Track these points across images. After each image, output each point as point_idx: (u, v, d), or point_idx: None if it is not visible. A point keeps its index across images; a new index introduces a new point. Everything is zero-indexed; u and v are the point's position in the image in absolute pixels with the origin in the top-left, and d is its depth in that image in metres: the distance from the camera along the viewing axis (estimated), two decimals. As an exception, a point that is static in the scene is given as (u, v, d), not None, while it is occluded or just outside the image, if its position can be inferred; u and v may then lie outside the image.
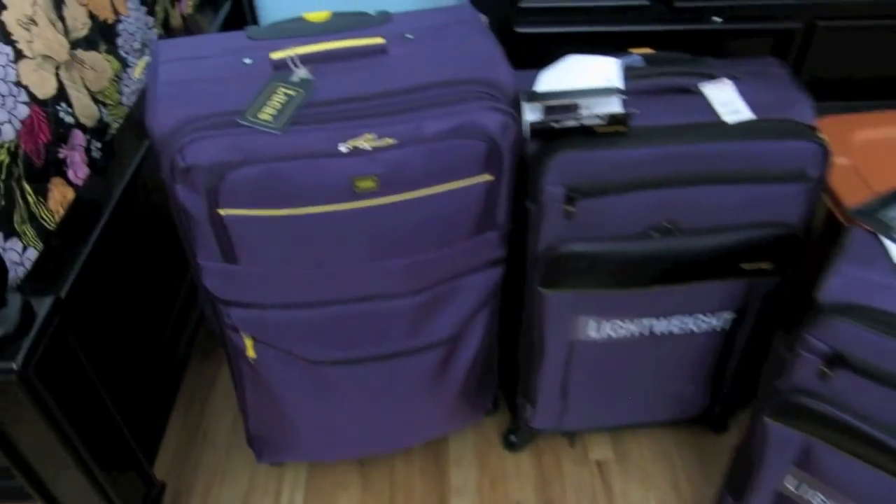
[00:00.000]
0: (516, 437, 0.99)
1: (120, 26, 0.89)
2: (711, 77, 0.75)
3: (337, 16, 0.76)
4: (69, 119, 0.76)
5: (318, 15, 0.76)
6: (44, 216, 0.70)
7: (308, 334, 0.75)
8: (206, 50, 0.71)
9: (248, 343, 0.77)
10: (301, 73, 0.68)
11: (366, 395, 0.82)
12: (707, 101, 0.74)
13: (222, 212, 0.65)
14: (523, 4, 0.91)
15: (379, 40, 0.71)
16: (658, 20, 0.93)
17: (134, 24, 0.93)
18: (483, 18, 0.77)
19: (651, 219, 0.74)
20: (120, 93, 0.88)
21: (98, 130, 0.81)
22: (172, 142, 0.63)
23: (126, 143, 0.85)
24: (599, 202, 0.71)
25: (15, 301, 0.58)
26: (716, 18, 0.93)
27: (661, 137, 0.70)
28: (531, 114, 0.73)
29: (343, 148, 0.64)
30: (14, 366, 0.55)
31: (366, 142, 0.64)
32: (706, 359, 0.88)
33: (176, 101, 0.65)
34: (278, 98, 0.66)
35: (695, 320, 0.82)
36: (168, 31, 1.04)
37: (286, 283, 0.71)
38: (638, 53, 0.79)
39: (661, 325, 0.82)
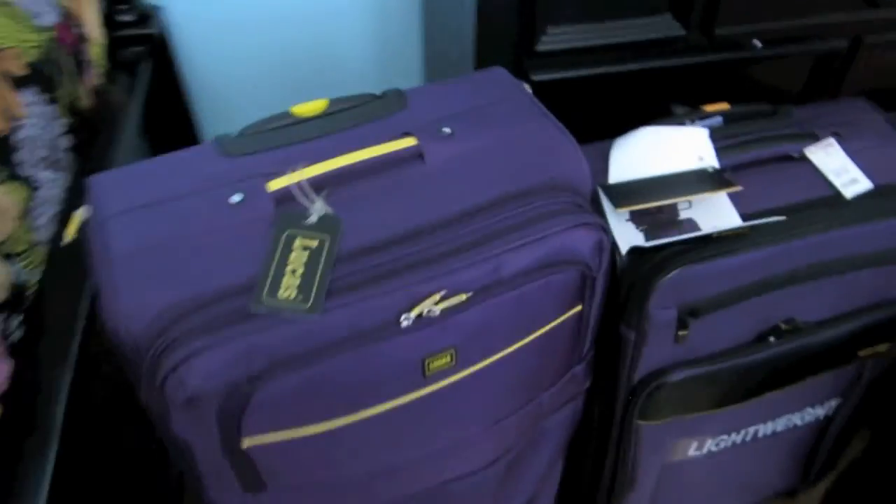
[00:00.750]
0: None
1: (19, 135, 0.66)
2: (815, 138, 0.61)
3: (335, 103, 0.56)
4: (-25, 303, 0.53)
5: (309, 107, 0.56)
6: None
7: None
8: (169, 186, 0.50)
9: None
10: (318, 207, 0.48)
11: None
12: (816, 169, 0.60)
13: (247, 442, 0.45)
14: (542, 47, 0.74)
15: (410, 141, 0.53)
16: (694, 51, 0.78)
17: (35, 124, 0.69)
18: (526, 87, 0.60)
19: (767, 322, 0.60)
20: (32, 229, 0.65)
21: (14, 301, 0.58)
22: (155, 354, 0.42)
23: (54, 302, 0.62)
24: (714, 317, 0.56)
25: None
26: (756, 43, 0.79)
27: (782, 231, 0.55)
28: (615, 215, 0.56)
29: (405, 321, 0.45)
30: None
31: (433, 303, 0.46)
32: (801, 446, 0.76)
33: (146, 284, 0.44)
34: (297, 257, 0.46)
35: (801, 415, 0.70)
36: (75, 115, 0.80)
37: (339, 496, 0.52)
38: (713, 111, 0.64)
39: (766, 429, 0.69)
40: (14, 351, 0.56)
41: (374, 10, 0.85)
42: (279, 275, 0.45)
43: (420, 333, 0.45)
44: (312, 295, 0.44)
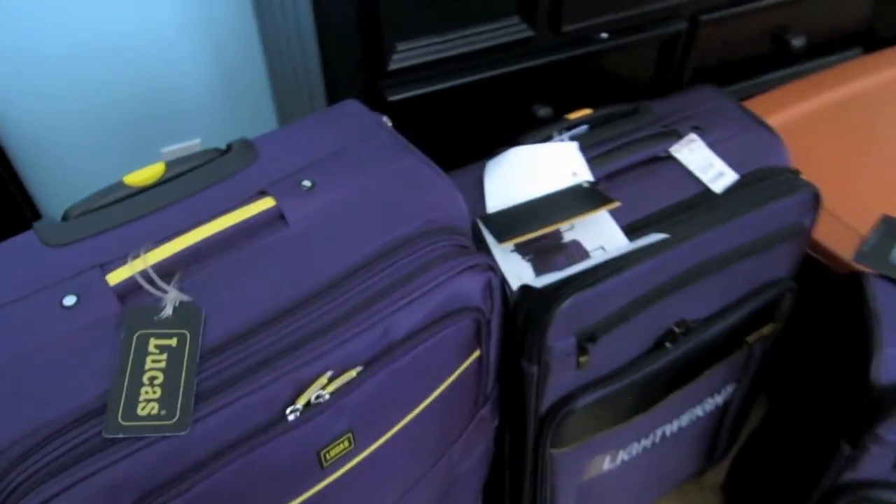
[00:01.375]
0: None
1: None
2: (677, 135, 0.61)
3: (174, 165, 0.50)
4: None
5: (144, 174, 0.49)
6: None
7: None
8: (-16, 294, 0.42)
9: None
10: (171, 297, 0.42)
11: None
12: (683, 167, 0.60)
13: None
14: (393, 66, 0.70)
15: (268, 203, 0.47)
16: (545, 51, 0.76)
17: None
18: (385, 120, 0.55)
19: (661, 328, 0.59)
20: None
21: None
22: (-8, 509, 0.35)
23: None
24: (611, 336, 0.55)
25: None
26: (603, 35, 0.79)
27: (665, 241, 0.55)
28: (502, 252, 0.54)
29: (292, 414, 0.40)
30: None
31: (321, 387, 0.41)
32: (707, 433, 0.77)
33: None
34: (155, 361, 0.40)
35: (702, 407, 0.71)
36: None
37: None
38: (576, 118, 0.62)
39: (672, 427, 0.69)
40: None
41: (210, 50, 0.78)
42: (135, 388, 0.38)
43: (311, 424, 0.40)
44: (178, 406, 0.38)
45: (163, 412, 0.37)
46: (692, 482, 0.94)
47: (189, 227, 0.45)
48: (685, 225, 0.55)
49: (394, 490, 0.49)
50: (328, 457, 0.42)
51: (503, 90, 0.79)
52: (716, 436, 0.78)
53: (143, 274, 0.43)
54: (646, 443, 0.67)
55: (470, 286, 0.47)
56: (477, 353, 0.50)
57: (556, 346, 0.52)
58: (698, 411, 0.70)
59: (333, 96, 0.78)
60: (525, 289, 0.51)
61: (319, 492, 0.42)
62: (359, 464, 0.44)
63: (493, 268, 0.49)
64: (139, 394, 0.38)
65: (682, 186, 0.59)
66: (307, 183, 0.49)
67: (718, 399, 0.71)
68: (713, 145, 0.61)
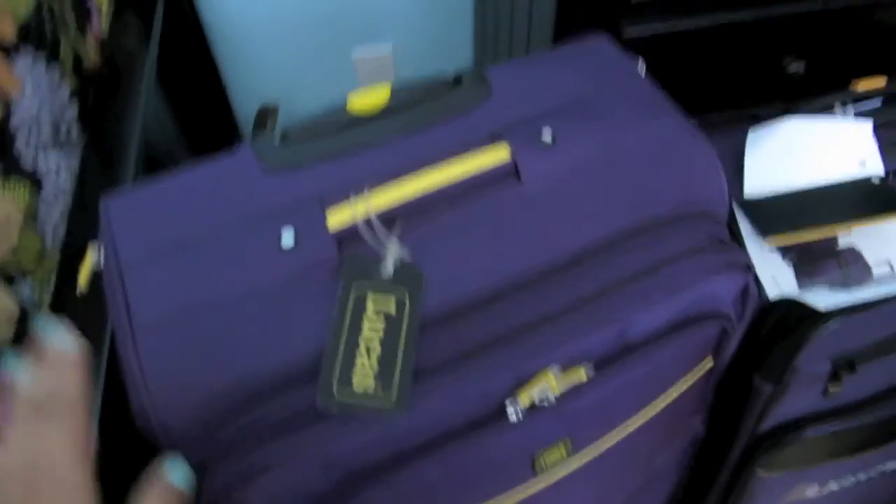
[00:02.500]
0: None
1: (13, 121, 0.55)
2: None
3: (399, 93, 0.44)
4: (-25, 355, 0.44)
5: (368, 99, 0.44)
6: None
7: None
8: (203, 213, 0.39)
9: None
10: (393, 251, 0.38)
11: None
12: None
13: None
14: (637, -3, 0.60)
15: (502, 153, 0.41)
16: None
17: (33, 100, 0.58)
18: (641, 65, 0.47)
19: (921, 360, 0.49)
20: (40, 233, 0.55)
21: (20, 336, 0.49)
22: (199, 464, 0.33)
23: (70, 317, 0.53)
24: (869, 367, 0.46)
25: None
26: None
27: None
28: (758, 246, 0.45)
29: (512, 413, 0.35)
30: None
31: (547, 385, 0.36)
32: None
33: (181, 365, 0.35)
34: (372, 327, 0.36)
35: (934, 444, 0.60)
36: (81, 76, 0.68)
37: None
38: (866, 89, 0.51)
39: (893, 464, 0.59)
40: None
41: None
42: (350, 355, 0.35)
43: (531, 426, 0.36)
44: (395, 384, 0.34)
45: (379, 390, 0.34)
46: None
47: (414, 169, 0.40)
48: None
49: (598, 498, 0.44)
50: (543, 462, 0.37)
51: (752, 37, 0.66)
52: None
53: (366, 221, 0.38)
54: (862, 477, 0.58)
55: (724, 289, 0.40)
56: (710, 364, 0.43)
57: (805, 369, 0.44)
58: (928, 450, 0.60)
59: (560, 23, 0.69)
60: (781, 303, 0.43)
61: (527, 498, 0.38)
62: (570, 473, 0.39)
63: (752, 271, 0.40)
64: (354, 363, 0.34)
65: None
66: (547, 135, 0.42)
67: (955, 440, 0.60)
68: None
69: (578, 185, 0.41)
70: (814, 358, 0.43)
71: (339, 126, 0.43)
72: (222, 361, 0.34)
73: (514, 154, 0.41)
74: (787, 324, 0.43)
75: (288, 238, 0.38)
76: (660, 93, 0.45)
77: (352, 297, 0.36)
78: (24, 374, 0.24)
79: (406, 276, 0.37)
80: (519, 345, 0.36)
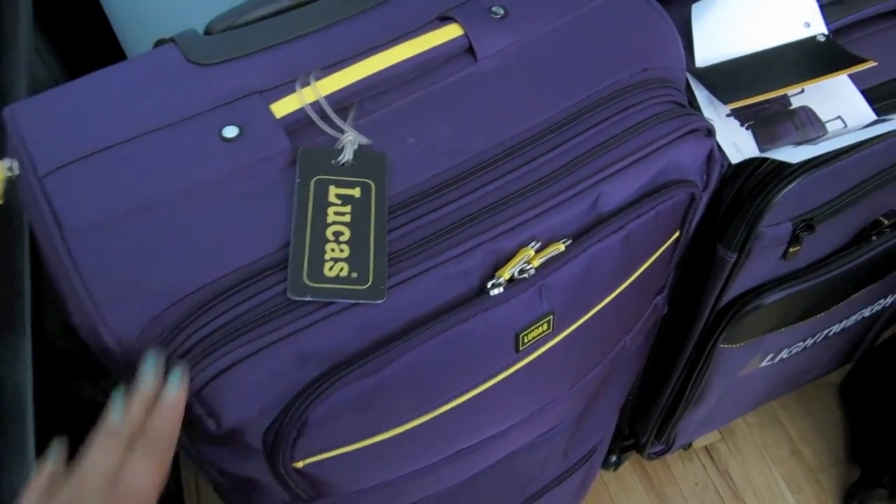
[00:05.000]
0: (618, 456, 0.80)
1: None
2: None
3: (331, -22, 0.41)
4: None
5: (297, -17, 0.40)
6: None
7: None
8: (130, 114, 0.34)
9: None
10: (349, 137, 0.35)
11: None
12: (934, 28, 0.49)
13: (300, 464, 0.34)
14: None
15: (454, 31, 0.38)
16: None
17: None
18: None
19: (868, 218, 0.50)
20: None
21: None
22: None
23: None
24: (826, 226, 0.46)
25: None
26: None
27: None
28: (716, 114, 0.44)
29: (495, 288, 0.34)
30: None
31: (526, 261, 0.34)
32: (859, 335, 0.70)
33: (126, 274, 0.31)
34: (337, 212, 0.33)
35: (871, 308, 0.63)
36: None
37: (405, 490, 0.42)
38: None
39: (838, 327, 0.62)
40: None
41: None
42: (319, 243, 0.32)
43: (514, 301, 0.34)
44: (370, 270, 0.32)
45: (353, 275, 0.31)
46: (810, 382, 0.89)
47: (362, 53, 0.37)
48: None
49: (572, 378, 0.43)
50: (526, 339, 0.35)
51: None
52: (861, 339, 0.71)
53: (315, 106, 0.35)
54: (809, 342, 0.60)
55: (689, 154, 0.39)
56: (676, 235, 0.42)
57: (768, 233, 0.44)
58: (866, 312, 0.63)
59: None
60: (743, 167, 0.42)
61: (508, 377, 0.37)
62: (551, 348, 0.38)
63: (713, 133, 0.40)
64: (324, 251, 0.32)
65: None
66: (499, 9, 0.39)
67: (887, 301, 0.64)
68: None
69: (536, 58, 0.39)
70: (776, 220, 0.43)
71: (270, 14, 0.39)
72: (171, 262, 0.31)
73: (466, 31, 0.38)
74: (746, 190, 0.43)
75: (230, 130, 0.34)
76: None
77: (312, 185, 0.33)
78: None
79: (367, 161, 0.34)
80: (492, 221, 0.34)
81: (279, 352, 0.29)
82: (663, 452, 0.73)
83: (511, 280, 0.34)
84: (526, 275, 0.34)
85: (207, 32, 0.39)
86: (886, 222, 0.51)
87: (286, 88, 0.35)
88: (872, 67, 0.45)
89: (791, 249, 0.45)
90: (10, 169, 0.33)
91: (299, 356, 0.30)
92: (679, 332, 0.54)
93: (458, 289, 0.33)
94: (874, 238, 0.51)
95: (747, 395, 0.67)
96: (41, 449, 0.40)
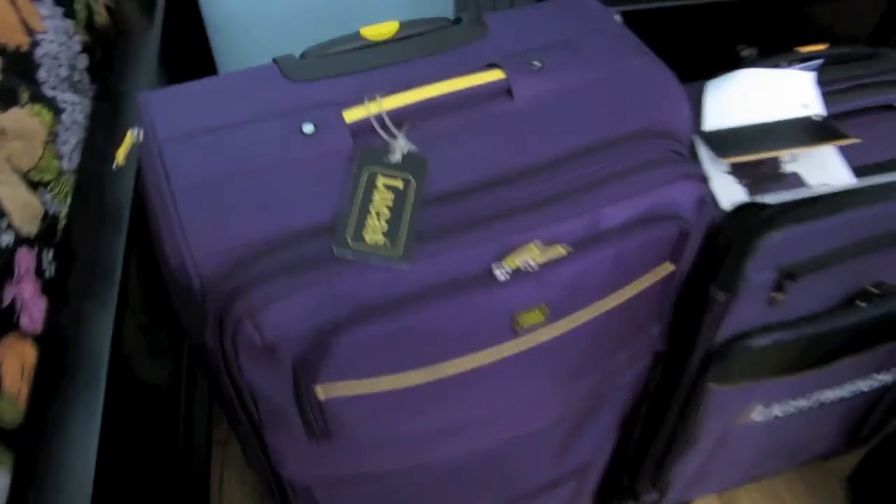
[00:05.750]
0: (618, 508, 0.82)
1: (38, 51, 0.59)
2: (923, 86, 0.56)
3: (407, 26, 0.50)
4: (7, 238, 0.47)
5: (379, 29, 0.50)
6: (1, 411, 0.44)
7: (420, 495, 0.54)
8: (232, 110, 0.44)
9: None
10: (400, 144, 0.43)
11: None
12: (923, 120, 0.55)
13: (321, 391, 0.41)
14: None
15: (497, 75, 0.47)
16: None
17: (54, 39, 0.63)
18: (617, 16, 0.54)
19: (857, 285, 0.56)
20: (59, 156, 0.58)
21: (45, 233, 0.53)
22: (228, 296, 0.38)
23: (86, 232, 0.57)
24: (810, 280, 0.52)
25: None
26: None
27: (888, 190, 0.51)
28: (716, 171, 0.52)
29: (499, 272, 0.41)
30: None
31: (530, 255, 0.41)
32: (858, 413, 0.73)
33: (214, 220, 0.39)
34: (381, 198, 0.41)
35: (869, 382, 0.67)
36: (92, 33, 0.72)
37: (405, 450, 0.48)
38: (809, 51, 0.58)
39: (832, 395, 0.66)
40: (47, 287, 0.51)
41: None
42: (363, 217, 0.40)
43: (515, 287, 0.41)
44: (401, 239, 0.39)
45: (387, 244, 0.39)
46: (818, 467, 0.90)
47: (421, 83, 0.46)
48: (916, 178, 0.51)
49: (564, 375, 0.49)
50: (522, 322, 0.42)
51: (709, 21, 0.74)
52: (865, 418, 0.74)
53: (378, 117, 0.44)
54: (803, 403, 0.64)
55: (682, 195, 0.46)
56: (671, 268, 0.49)
57: (754, 277, 0.50)
58: (863, 385, 0.66)
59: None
60: (736, 212, 0.49)
61: (506, 357, 0.43)
62: (545, 342, 0.44)
63: (707, 182, 0.47)
64: (366, 223, 0.40)
65: (916, 140, 0.54)
66: (537, 63, 0.48)
67: (887, 377, 0.67)
68: (959, 104, 0.56)
69: (561, 104, 0.47)
70: (761, 265, 0.49)
71: (353, 49, 0.49)
72: (249, 217, 0.39)
73: (507, 75, 0.47)
74: (739, 234, 0.49)
75: (308, 127, 0.43)
76: (635, 38, 0.52)
77: (364, 174, 0.41)
78: None
79: (412, 162, 0.43)
80: (507, 222, 0.41)
81: (318, 290, 0.37)
82: (658, 500, 0.75)
83: (515, 270, 0.41)
84: (528, 268, 0.41)
85: (302, 57, 0.49)
86: (874, 291, 0.56)
87: (356, 102, 0.44)
88: (863, 149, 0.52)
89: (775, 295, 0.51)
90: (137, 136, 0.43)
91: (333, 297, 0.37)
92: (675, 370, 0.59)
93: (471, 269, 0.40)
94: (861, 304, 0.56)
95: (743, 453, 0.71)
96: (108, 418, 0.47)
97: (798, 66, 0.57)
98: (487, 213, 0.42)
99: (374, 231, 0.39)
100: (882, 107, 0.56)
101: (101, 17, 0.76)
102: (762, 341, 0.54)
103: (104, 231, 0.59)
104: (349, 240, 0.39)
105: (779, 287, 0.51)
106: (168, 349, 0.74)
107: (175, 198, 0.39)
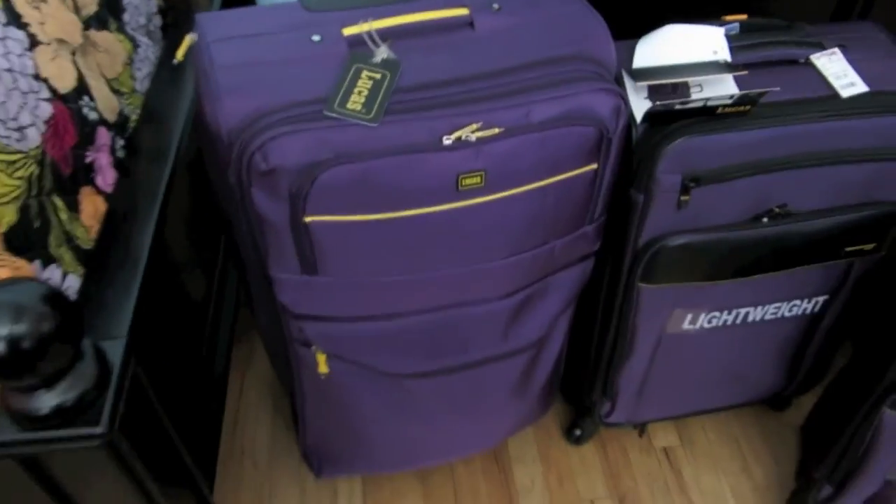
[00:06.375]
0: (581, 430, 0.94)
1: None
2: (821, 47, 0.68)
3: (401, -20, 0.66)
4: (93, 115, 0.64)
5: (377, -18, 0.65)
6: (79, 235, 0.59)
7: (392, 347, 0.67)
8: (261, 25, 0.60)
9: (321, 359, 0.68)
10: (382, 52, 0.58)
11: (446, 405, 0.75)
12: (819, 73, 0.67)
13: (308, 219, 0.55)
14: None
15: (462, 11, 0.62)
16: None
17: (137, -7, 0.80)
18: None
19: (761, 204, 0.67)
20: (133, 78, 0.75)
21: (120, 125, 0.69)
22: (246, 139, 0.53)
23: (149, 137, 0.73)
24: (714, 189, 0.64)
25: (88, 350, 0.48)
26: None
27: (780, 117, 0.63)
28: (636, 94, 0.65)
29: (447, 140, 0.55)
30: (98, 430, 0.45)
31: (471, 132, 0.55)
32: (789, 342, 0.83)
33: (242, 90, 0.55)
34: (363, 83, 0.56)
35: (789, 306, 0.77)
36: (167, 1, 0.90)
37: (374, 294, 0.62)
38: (733, 20, 0.71)
39: (755, 313, 0.77)
40: (117, 165, 0.67)
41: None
42: (348, 93, 0.55)
43: (459, 153, 0.55)
44: (374, 109, 0.54)
45: (363, 110, 0.53)
46: (774, 418, 0.99)
47: (402, 14, 0.61)
48: (804, 111, 0.63)
49: (505, 247, 0.62)
50: (463, 183, 0.56)
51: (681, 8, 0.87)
52: (801, 352, 0.84)
53: (367, 33, 0.59)
54: (727, 317, 0.75)
55: (600, 104, 0.59)
56: (594, 166, 0.62)
57: (663, 180, 0.63)
58: (784, 309, 0.77)
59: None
60: (647, 125, 0.62)
61: (452, 210, 0.57)
62: (484, 203, 0.58)
63: (623, 98, 0.60)
64: (350, 97, 0.54)
65: (811, 86, 0.66)
66: (496, 6, 0.63)
67: (807, 306, 0.78)
68: (853, 62, 0.68)
69: (511, 34, 0.61)
70: (668, 169, 0.62)
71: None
72: (266, 90, 0.54)
73: (470, 11, 0.61)
74: (650, 146, 0.62)
75: (316, 37, 0.58)
76: (579, -5, 0.66)
77: (352, 68, 0.56)
78: None
79: (389, 64, 0.57)
80: (456, 108, 0.55)
81: (309, 136, 0.52)
82: (610, 413, 0.86)
83: (459, 139, 0.55)
84: (469, 139, 0.55)
85: (318, -1, 0.65)
86: (777, 210, 0.68)
87: (353, 22, 0.59)
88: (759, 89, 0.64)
89: (682, 198, 0.63)
90: (193, 38, 0.59)
91: (319, 142, 0.52)
92: (613, 272, 0.72)
93: (425, 137, 0.54)
94: (764, 220, 0.67)
95: (683, 371, 0.81)
96: (143, 298, 0.60)
97: (719, 26, 0.70)
98: (442, 101, 0.56)
99: (355, 103, 0.54)
100: (786, 61, 0.68)
101: (174, -12, 0.94)
102: (676, 241, 0.66)
103: (156, 149, 0.74)
104: (335, 105, 0.53)
105: (685, 190, 0.63)
106: (203, 272, 0.89)
107: (216, 76, 0.55)
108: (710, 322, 0.76)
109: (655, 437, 0.97)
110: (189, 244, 0.83)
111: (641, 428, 0.95)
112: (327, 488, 0.91)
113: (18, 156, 0.51)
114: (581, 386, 0.87)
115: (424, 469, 0.92)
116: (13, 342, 0.41)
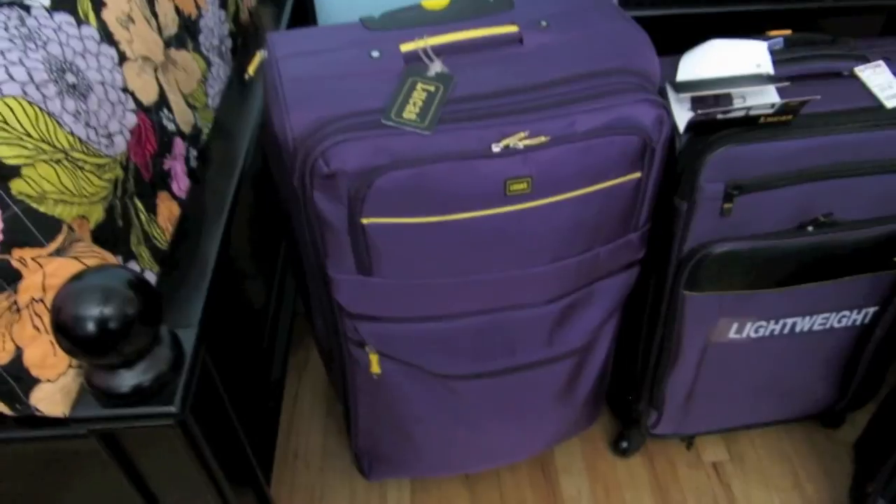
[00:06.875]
0: (628, 442, 0.94)
1: (202, 22, 0.83)
2: (865, 60, 0.70)
3: (456, 2, 0.70)
4: (171, 126, 0.69)
5: (436, 2, 0.70)
6: (156, 235, 0.64)
7: (442, 348, 0.70)
8: (326, 43, 0.65)
9: (374, 359, 0.71)
10: (436, 66, 0.62)
11: (493, 408, 0.77)
12: (863, 85, 0.69)
13: (365, 220, 0.59)
14: (630, -15, 0.85)
15: (512, 28, 0.65)
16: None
17: (212, 19, 0.87)
18: (614, 0, 0.71)
19: (806, 213, 0.68)
20: (206, 94, 0.81)
21: (194, 137, 0.75)
22: (310, 146, 0.57)
23: (219, 149, 0.79)
24: (757, 198, 0.66)
25: (165, 335, 0.52)
26: (831, -7, 0.87)
27: (823, 126, 0.64)
28: (679, 105, 0.67)
29: (496, 148, 0.58)
30: (172, 409, 0.49)
31: (518, 140, 0.58)
32: (840, 355, 0.83)
33: (307, 101, 0.59)
34: (418, 95, 0.60)
35: (838, 316, 0.77)
36: (238, 25, 0.97)
37: (424, 295, 0.65)
38: (777, 35, 0.73)
39: (803, 324, 0.77)
40: (190, 174, 0.73)
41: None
42: (404, 104, 0.58)
43: (507, 160, 0.58)
44: (428, 118, 0.57)
45: (418, 120, 0.57)
46: (827, 436, 0.98)
47: (455, 32, 0.65)
48: (847, 121, 0.64)
49: (550, 252, 0.65)
50: (511, 188, 0.59)
51: (726, 29, 0.90)
52: (852, 365, 0.83)
53: (423, 49, 0.63)
54: (774, 327, 0.76)
55: (643, 114, 0.62)
56: (638, 175, 0.64)
57: (707, 188, 0.64)
58: (833, 320, 0.77)
59: None
60: (690, 136, 0.64)
61: (500, 214, 0.60)
62: (530, 209, 0.61)
63: (666, 109, 0.62)
64: (406, 107, 0.58)
65: (855, 97, 0.67)
66: (544, 23, 0.66)
67: (856, 317, 0.78)
68: (900, 75, 0.69)
69: (558, 49, 0.65)
70: (711, 178, 0.64)
71: (415, 13, 0.69)
72: (328, 101, 0.59)
73: (520, 29, 0.65)
74: (693, 155, 0.64)
75: (375, 53, 0.63)
76: (623, 12, 0.69)
77: (408, 81, 0.60)
78: None
79: (443, 77, 0.61)
80: (505, 118, 0.59)
81: (367, 143, 0.56)
82: (657, 424, 0.87)
83: (507, 147, 0.58)
84: (517, 147, 0.58)
85: (380, 17, 0.69)
86: (822, 219, 0.68)
87: (410, 40, 0.64)
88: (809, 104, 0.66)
89: (726, 205, 0.65)
90: (263, 55, 0.64)
91: (376, 149, 0.56)
92: (658, 281, 0.73)
93: (475, 145, 0.58)
94: (809, 228, 0.68)
95: (731, 382, 0.82)
96: (211, 295, 0.65)
97: (763, 41, 0.71)
98: (491, 112, 0.59)
99: (410, 112, 0.58)
100: (830, 74, 0.70)
101: (245, 15, 1.01)
102: (720, 248, 0.67)
103: (225, 161, 0.80)
104: (392, 114, 0.57)
105: (728, 198, 0.65)
106: (264, 280, 0.94)
107: (284, 88, 0.60)
108: (756, 332, 0.76)
109: (704, 451, 0.97)
110: (251, 252, 0.88)
111: (689, 441, 0.95)
112: (376, 493, 0.93)
113: (107, 160, 0.57)
114: (628, 397, 0.88)
115: (471, 476, 0.94)
116: (101, 322, 0.46)
